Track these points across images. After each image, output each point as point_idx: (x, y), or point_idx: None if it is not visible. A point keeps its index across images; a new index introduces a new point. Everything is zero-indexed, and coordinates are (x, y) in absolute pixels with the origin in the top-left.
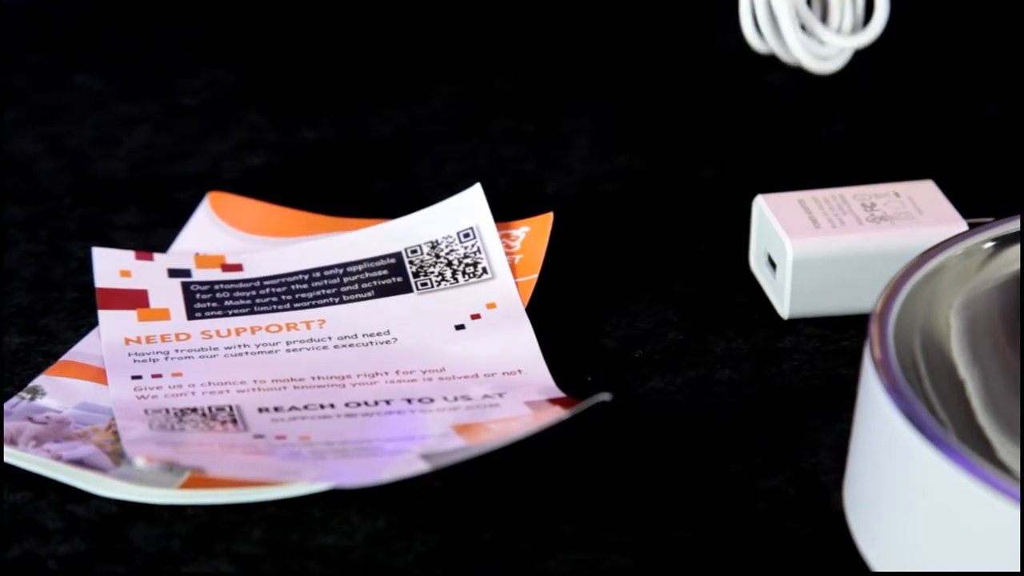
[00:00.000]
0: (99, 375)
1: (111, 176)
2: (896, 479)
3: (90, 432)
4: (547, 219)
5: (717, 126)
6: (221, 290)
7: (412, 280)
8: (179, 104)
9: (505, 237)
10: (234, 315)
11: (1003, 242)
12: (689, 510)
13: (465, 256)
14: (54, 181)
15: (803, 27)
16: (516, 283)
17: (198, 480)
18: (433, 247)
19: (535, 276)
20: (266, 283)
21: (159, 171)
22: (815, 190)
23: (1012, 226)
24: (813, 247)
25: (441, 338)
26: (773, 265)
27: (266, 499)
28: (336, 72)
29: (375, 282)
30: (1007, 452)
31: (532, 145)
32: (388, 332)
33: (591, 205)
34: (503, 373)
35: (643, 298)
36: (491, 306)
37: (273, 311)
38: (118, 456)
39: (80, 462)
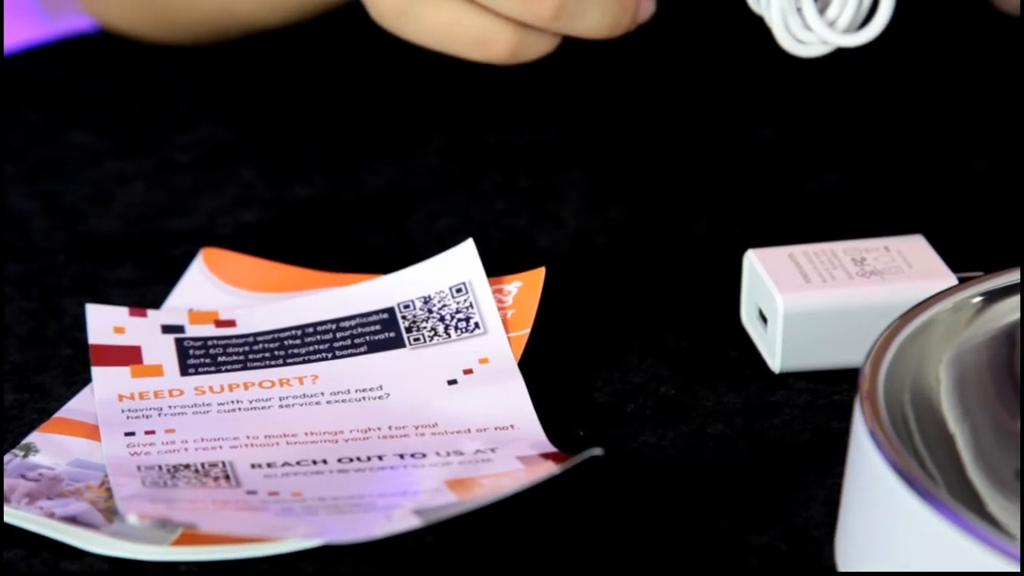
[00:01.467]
0: (92, 432)
1: (105, 232)
2: (887, 534)
3: (83, 489)
4: (539, 274)
5: (708, 181)
6: (214, 346)
7: (405, 335)
8: (173, 160)
9: (498, 292)
10: (227, 371)
11: (993, 296)
12: (681, 566)
13: (458, 311)
14: (48, 237)
15: (799, 8)
16: (509, 338)
17: (191, 536)
18: (426, 302)
19: (527, 331)
20: (259, 339)
21: (153, 227)
22: (805, 244)
23: (1002, 280)
24: (804, 301)
25: (434, 393)
26: (764, 319)
27: (259, 555)
28: (329, 128)
29: (368, 337)
30: (997, 506)
31: (524, 199)
32: (381, 387)
33: (583, 259)
34: (495, 428)
35: (635, 352)
36: (483, 361)
37: (266, 367)
38: (111, 513)
39: (73, 519)
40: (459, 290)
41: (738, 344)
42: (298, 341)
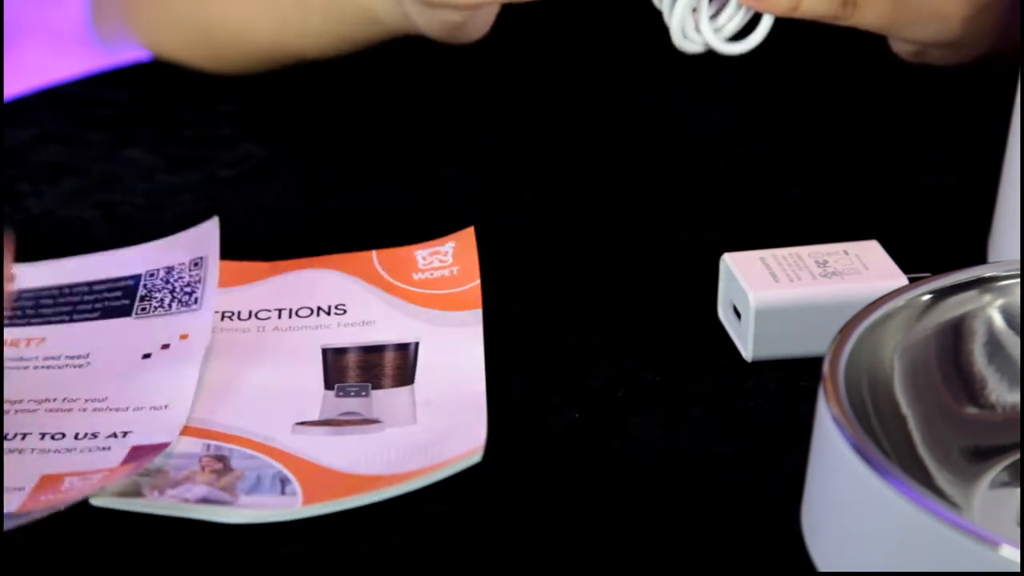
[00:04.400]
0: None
1: (158, 238)
2: (847, 504)
3: (191, 476)
4: (469, 232)
5: (688, 193)
6: None
7: (136, 304)
8: (217, 175)
9: (435, 255)
10: None
11: (939, 294)
12: (666, 531)
13: (187, 284)
14: (109, 243)
15: (694, 10)
16: (461, 292)
17: None
18: (168, 272)
19: (478, 282)
20: (24, 295)
21: None
22: (774, 249)
23: (947, 280)
24: (773, 298)
25: (125, 366)
26: (738, 314)
27: None
28: (355, 146)
29: (105, 303)
30: (943, 479)
31: (527, 210)
32: (88, 356)
33: (579, 262)
34: (151, 407)
35: (625, 343)
36: (183, 337)
37: (11, 325)
38: (231, 489)
39: (205, 500)
40: (196, 264)
41: (715, 336)
42: (51, 301)
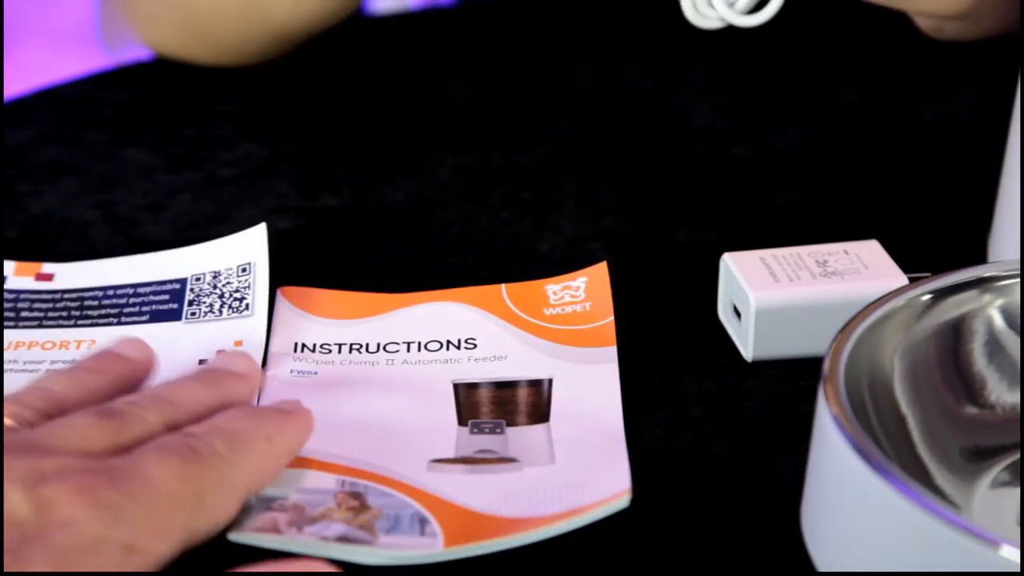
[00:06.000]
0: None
1: (157, 238)
2: (847, 503)
3: (328, 512)
4: (602, 267)
5: (688, 193)
6: (23, 300)
7: (185, 308)
8: (217, 175)
9: (567, 289)
10: (23, 327)
11: (940, 294)
12: (666, 530)
13: (236, 290)
14: (108, 242)
15: None
16: (593, 328)
17: None
18: (215, 277)
19: (611, 319)
20: (65, 295)
21: (199, 233)
22: (774, 248)
23: (947, 280)
24: (773, 298)
25: (182, 371)
26: (738, 314)
27: None
28: (354, 147)
29: (153, 307)
30: (943, 479)
31: (527, 210)
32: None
33: (578, 262)
34: None
35: (624, 344)
36: (238, 343)
37: (57, 327)
38: (369, 528)
39: (344, 538)
40: (244, 269)
41: (715, 336)
42: (95, 303)
